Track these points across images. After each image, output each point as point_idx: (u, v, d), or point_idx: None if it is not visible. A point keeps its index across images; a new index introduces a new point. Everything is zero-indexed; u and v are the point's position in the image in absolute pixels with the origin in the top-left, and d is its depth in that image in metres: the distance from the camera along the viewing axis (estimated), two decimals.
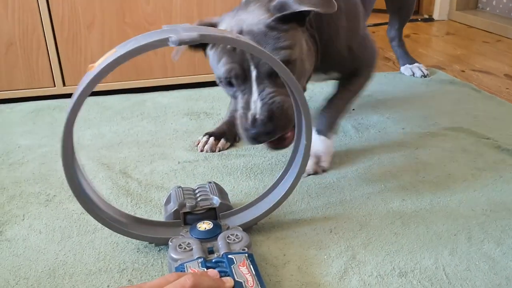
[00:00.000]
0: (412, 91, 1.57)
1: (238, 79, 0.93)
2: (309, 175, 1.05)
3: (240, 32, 0.92)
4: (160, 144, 1.23)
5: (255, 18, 0.94)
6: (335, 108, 1.14)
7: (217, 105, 1.49)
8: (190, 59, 1.62)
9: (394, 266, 0.78)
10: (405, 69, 1.77)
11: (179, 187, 0.89)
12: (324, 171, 1.06)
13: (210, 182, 0.91)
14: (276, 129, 0.91)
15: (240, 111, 0.94)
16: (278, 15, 0.92)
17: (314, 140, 1.04)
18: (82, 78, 0.71)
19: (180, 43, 0.67)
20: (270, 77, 0.92)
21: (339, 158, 1.14)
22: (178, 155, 1.16)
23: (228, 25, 0.95)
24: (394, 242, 0.83)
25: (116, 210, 0.82)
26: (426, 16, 2.71)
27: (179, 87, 1.64)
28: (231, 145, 1.21)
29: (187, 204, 0.83)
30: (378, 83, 1.61)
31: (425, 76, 1.72)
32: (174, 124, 1.35)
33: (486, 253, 0.80)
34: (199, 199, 0.86)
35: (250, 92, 0.93)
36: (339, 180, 1.04)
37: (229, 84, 0.95)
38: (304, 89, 1.03)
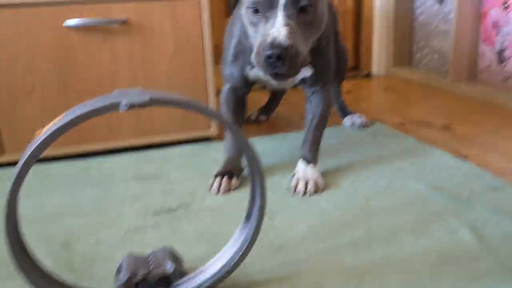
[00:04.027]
0: (358, 145, 1.62)
1: (265, 6, 1.02)
2: (310, 195, 1.21)
3: None
4: (106, 212, 1.18)
5: None
6: (314, 140, 1.34)
7: (166, 167, 1.46)
8: (137, 121, 1.60)
9: None
10: (346, 120, 1.84)
11: (131, 254, 0.85)
12: (322, 190, 1.24)
13: (163, 248, 0.88)
14: (288, 61, 0.98)
15: (262, 37, 1.02)
16: None
17: (305, 169, 1.28)
18: (23, 145, 0.69)
19: (131, 107, 0.67)
20: (296, 8, 1.01)
21: (289, 216, 1.13)
22: (125, 222, 1.12)
23: None
24: None
25: (63, 284, 0.77)
26: (365, 73, 2.83)
27: (125, 150, 1.61)
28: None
29: (139, 273, 0.80)
30: (325, 137, 1.65)
31: (364, 126, 1.79)
32: (120, 189, 1.31)
33: None
34: (152, 266, 0.82)
35: (275, 20, 1.00)
36: (292, 239, 1.03)
37: (256, 11, 1.03)
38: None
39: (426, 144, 1.61)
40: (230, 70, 1.36)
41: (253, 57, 1.08)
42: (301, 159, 1.32)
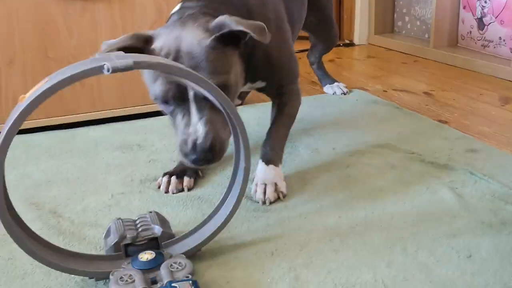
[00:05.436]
0: (340, 112, 1.63)
1: (175, 100, 0.93)
2: (271, 203, 1.05)
3: (178, 51, 0.93)
4: (92, 180, 1.18)
5: (194, 37, 0.94)
6: (277, 138, 1.17)
7: (150, 137, 1.46)
8: (120, 91, 1.59)
9: (336, 283, 0.79)
10: (327, 89, 1.86)
11: (119, 219, 0.86)
12: (284, 196, 1.07)
13: (151, 212, 0.90)
14: (215, 158, 0.93)
15: (180, 136, 0.94)
16: (217, 34, 0.93)
17: (265, 170, 1.10)
18: (4, 116, 0.68)
19: (114, 70, 0.67)
20: (207, 98, 0.92)
21: None
22: (111, 189, 1.13)
23: (165, 41, 0.95)
24: (334, 259, 0.85)
25: (52, 246, 0.78)
26: (347, 41, 2.83)
27: (109, 120, 1.60)
28: (195, 181, 1.15)
29: (128, 236, 0.81)
30: (308, 105, 1.66)
31: (344, 94, 1.81)
32: (106, 159, 1.31)
33: (421, 262, 0.83)
34: (140, 229, 0.84)
35: (189, 114, 0.93)
36: (276, 202, 1.05)
37: (166, 102, 0.95)
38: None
39: (407, 110, 1.63)
40: None
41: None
42: (260, 159, 1.14)
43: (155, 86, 0.94)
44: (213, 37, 0.93)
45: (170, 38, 0.95)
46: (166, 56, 0.93)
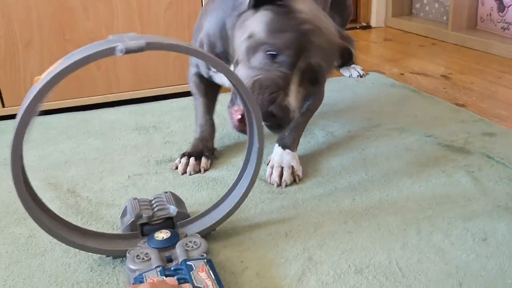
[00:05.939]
0: (356, 95, 1.62)
1: (287, 58, 0.92)
2: (287, 185, 1.05)
3: (319, 27, 0.96)
4: (109, 161, 1.20)
5: (328, 22, 1.00)
6: (296, 126, 1.15)
7: (165, 118, 1.47)
8: (135, 74, 1.60)
9: (349, 263, 0.79)
10: (343, 71, 1.85)
11: (135, 198, 0.88)
12: (299, 179, 1.07)
13: (166, 192, 0.91)
14: (277, 130, 0.93)
15: (264, 82, 0.91)
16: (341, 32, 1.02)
17: (281, 154, 1.11)
18: (23, 97, 0.69)
19: (127, 51, 0.67)
20: (306, 76, 0.94)
21: None
22: (128, 170, 1.14)
23: (308, 13, 0.97)
24: (348, 240, 0.85)
25: (70, 224, 0.80)
26: (364, 24, 2.80)
27: (124, 102, 1.62)
28: (210, 163, 1.16)
29: (144, 215, 0.83)
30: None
31: (361, 76, 1.80)
32: (122, 140, 1.32)
33: (435, 245, 0.83)
34: (156, 209, 0.85)
35: (287, 75, 0.92)
36: (291, 184, 1.05)
37: (276, 52, 0.93)
38: None
39: (424, 93, 1.61)
40: (195, 60, 1.22)
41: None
42: (277, 144, 1.15)
43: (280, 35, 0.93)
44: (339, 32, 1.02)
45: (310, 11, 0.98)
46: (307, 28, 0.94)
